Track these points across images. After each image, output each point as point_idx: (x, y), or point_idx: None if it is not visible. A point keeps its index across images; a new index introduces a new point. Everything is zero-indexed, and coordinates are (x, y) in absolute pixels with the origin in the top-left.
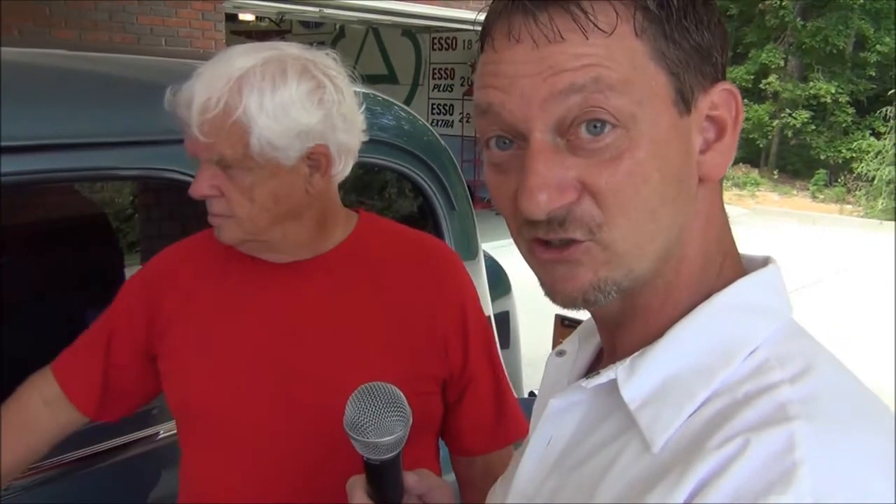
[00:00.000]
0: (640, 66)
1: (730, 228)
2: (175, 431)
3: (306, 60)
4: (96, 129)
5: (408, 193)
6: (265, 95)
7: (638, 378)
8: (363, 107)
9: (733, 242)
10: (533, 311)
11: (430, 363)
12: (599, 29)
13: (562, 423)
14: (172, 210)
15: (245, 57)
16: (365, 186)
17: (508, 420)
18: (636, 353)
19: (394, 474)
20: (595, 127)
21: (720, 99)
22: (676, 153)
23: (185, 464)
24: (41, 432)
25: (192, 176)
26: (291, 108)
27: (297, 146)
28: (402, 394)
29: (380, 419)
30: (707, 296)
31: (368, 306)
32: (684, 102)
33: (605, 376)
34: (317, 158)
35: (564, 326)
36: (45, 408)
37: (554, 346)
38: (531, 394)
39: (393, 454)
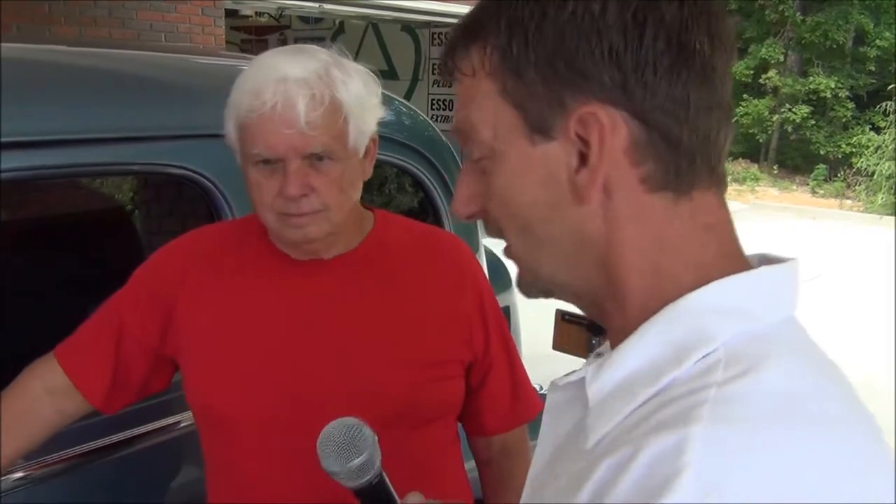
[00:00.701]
0: (491, 103)
1: (719, 232)
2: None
3: (340, 58)
4: (101, 125)
5: (408, 189)
6: (349, 88)
7: (601, 377)
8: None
9: (723, 246)
10: (534, 306)
11: (456, 349)
12: (464, 74)
13: (558, 419)
14: (173, 206)
15: (306, 55)
16: (365, 182)
17: (524, 399)
18: (607, 354)
19: (386, 486)
20: (476, 161)
21: (583, 122)
22: (535, 178)
23: (212, 464)
24: (42, 421)
25: (197, 172)
26: (365, 98)
27: (369, 134)
28: (358, 421)
29: (354, 439)
30: (675, 299)
31: (394, 299)
32: (540, 131)
33: (576, 375)
34: (370, 147)
35: (565, 322)
36: (47, 396)
37: (554, 341)
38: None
39: (369, 476)
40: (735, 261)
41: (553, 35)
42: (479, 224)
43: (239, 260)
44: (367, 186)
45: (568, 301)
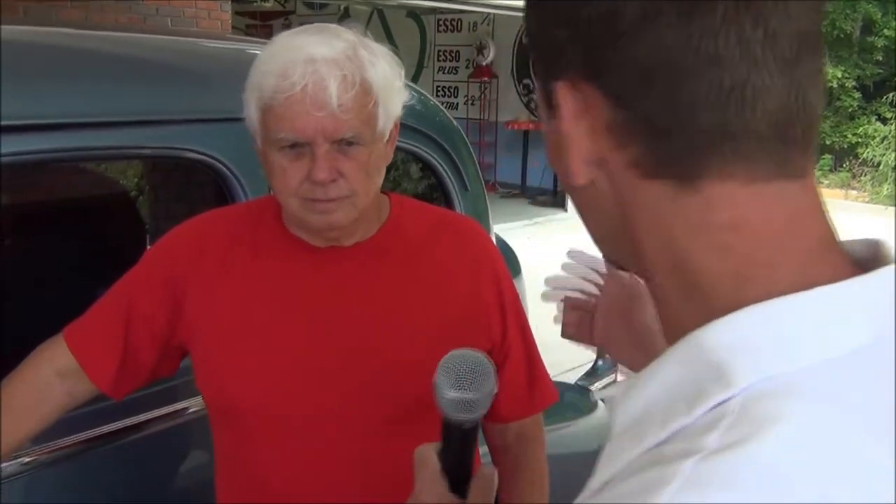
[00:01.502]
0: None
1: (751, 236)
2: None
3: (363, 38)
4: (114, 108)
5: (412, 175)
6: (377, 69)
7: (626, 403)
8: None
9: (759, 252)
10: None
11: (475, 336)
12: None
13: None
14: (182, 191)
15: (331, 34)
16: None
17: (540, 386)
18: (639, 374)
19: (474, 441)
20: None
21: (557, 99)
22: (555, 156)
23: (223, 453)
24: (53, 403)
25: (211, 156)
26: (391, 80)
27: (394, 118)
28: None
29: (475, 376)
30: (710, 316)
31: (413, 286)
32: (552, 106)
33: (611, 391)
34: (392, 131)
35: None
36: (58, 379)
37: (563, 329)
38: None
39: (481, 413)
40: (784, 271)
41: (534, 9)
42: (490, 209)
43: (254, 245)
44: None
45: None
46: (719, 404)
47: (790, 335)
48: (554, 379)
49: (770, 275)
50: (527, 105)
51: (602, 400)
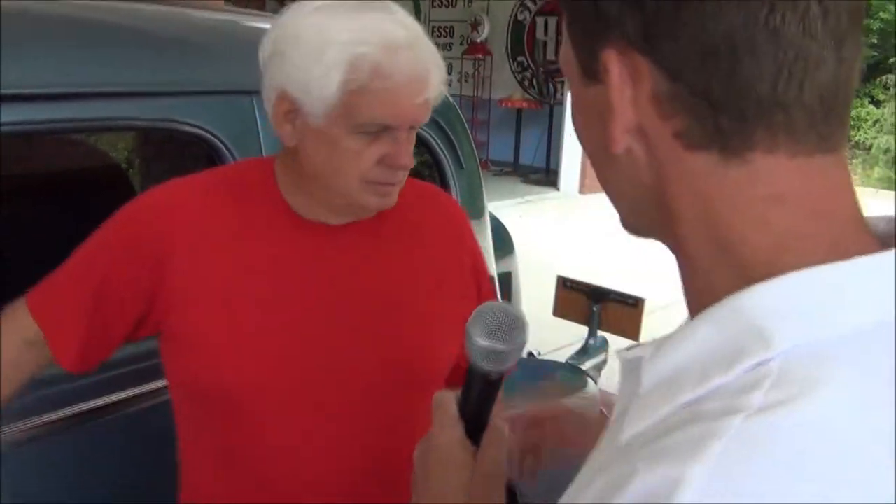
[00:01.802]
0: (565, 41)
1: (796, 207)
2: None
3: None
4: (107, 79)
5: None
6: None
7: (657, 362)
8: None
9: (802, 224)
10: (535, 272)
11: (465, 301)
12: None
13: (619, 394)
14: (174, 164)
15: (401, 12)
16: None
17: None
18: (669, 334)
19: (495, 394)
20: None
21: (605, 68)
22: (590, 121)
23: (225, 448)
24: (25, 370)
25: (205, 129)
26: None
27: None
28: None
29: (509, 328)
30: (746, 284)
31: (405, 261)
32: (590, 72)
33: (634, 353)
34: None
35: (566, 288)
36: (27, 347)
37: (555, 307)
38: (529, 354)
39: (508, 367)
40: (819, 243)
41: None
42: (484, 187)
43: (247, 218)
44: None
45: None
46: (759, 365)
47: (827, 303)
48: (545, 357)
49: (807, 246)
50: (521, 83)
51: (588, 375)
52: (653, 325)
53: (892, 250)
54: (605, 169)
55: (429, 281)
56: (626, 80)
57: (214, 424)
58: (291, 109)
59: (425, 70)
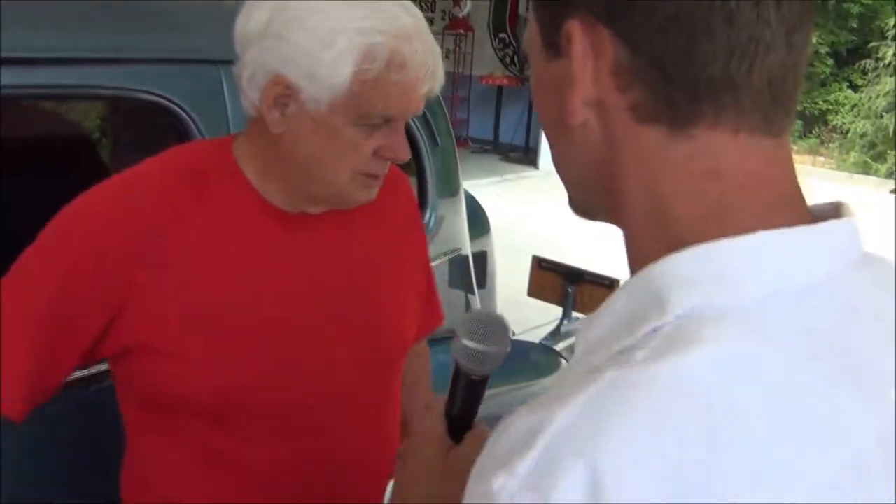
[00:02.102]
0: (530, 18)
1: (728, 182)
2: None
3: None
4: (64, 45)
5: None
6: None
7: (586, 334)
8: None
9: (728, 198)
10: (510, 253)
11: (421, 277)
12: None
13: None
14: (147, 134)
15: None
16: None
17: (437, 308)
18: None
19: (480, 395)
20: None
21: (567, 40)
22: (549, 95)
23: (212, 460)
24: None
25: (162, 96)
26: None
27: None
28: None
29: (491, 332)
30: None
31: (378, 247)
32: (553, 47)
33: (576, 325)
34: None
35: (541, 269)
36: None
37: (529, 287)
38: None
39: (489, 369)
40: (745, 216)
41: None
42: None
43: (211, 214)
44: None
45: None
46: (657, 329)
47: (730, 271)
48: (519, 337)
49: (732, 219)
50: (502, 59)
51: (562, 357)
52: None
53: (816, 223)
54: (560, 144)
55: (394, 266)
56: (588, 52)
57: (194, 432)
58: (285, 95)
59: (434, 61)
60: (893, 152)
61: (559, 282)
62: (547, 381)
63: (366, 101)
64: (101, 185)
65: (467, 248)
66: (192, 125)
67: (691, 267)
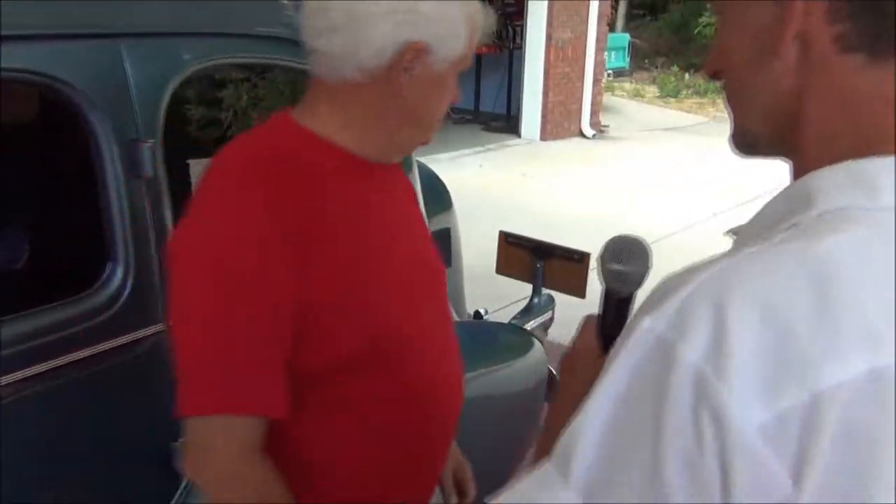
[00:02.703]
0: None
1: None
2: None
3: None
4: None
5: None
6: None
7: (744, 229)
8: None
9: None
10: (477, 229)
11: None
12: None
13: None
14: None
15: None
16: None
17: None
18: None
19: (627, 311)
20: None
21: None
22: (749, 32)
23: (381, 409)
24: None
25: (52, 77)
26: None
27: None
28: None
29: (631, 253)
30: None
31: (403, 190)
32: None
33: (736, 228)
34: None
35: (509, 244)
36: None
37: (498, 264)
38: (476, 314)
39: (634, 288)
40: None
41: None
42: (433, 137)
43: (335, 183)
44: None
45: (764, 155)
46: (797, 224)
47: (875, 181)
48: (491, 317)
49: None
50: None
51: (533, 336)
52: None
53: None
54: (751, 78)
55: (417, 211)
56: None
57: (349, 386)
58: (416, 59)
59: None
60: None
61: (527, 257)
62: (522, 362)
63: (466, 56)
64: (208, 216)
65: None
66: (91, 109)
67: (841, 175)
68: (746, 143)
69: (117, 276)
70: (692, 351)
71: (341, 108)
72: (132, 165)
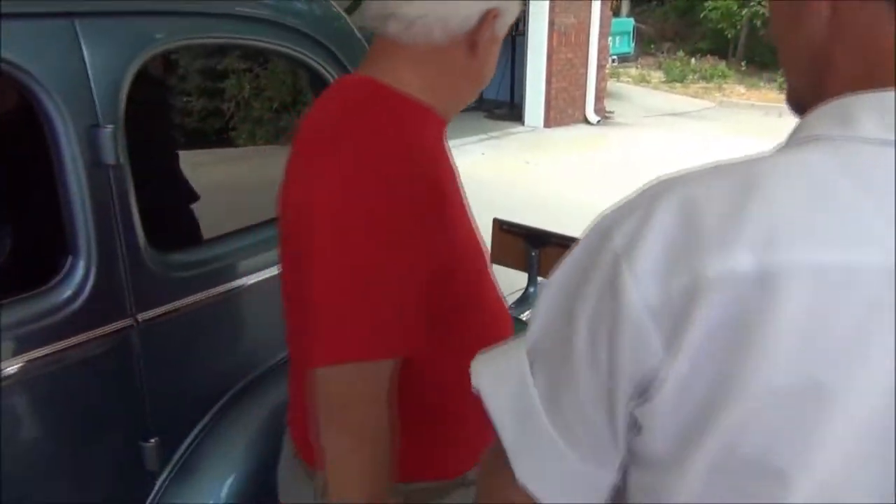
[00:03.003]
0: None
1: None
2: None
3: None
4: None
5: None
6: None
7: (793, 134)
8: None
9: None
10: (479, 216)
11: None
12: None
13: None
14: None
15: None
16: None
17: None
18: None
19: None
20: None
21: None
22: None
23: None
24: None
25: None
26: None
27: None
28: None
29: None
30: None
31: None
32: None
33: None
34: None
35: (503, 232)
36: None
37: (492, 252)
38: None
39: None
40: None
41: None
42: None
43: (442, 153)
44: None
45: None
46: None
47: (855, 113)
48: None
49: None
50: None
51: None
52: None
53: None
54: (791, 35)
55: None
56: None
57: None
58: (492, 24)
59: None
60: None
61: (521, 244)
62: None
63: (507, 17)
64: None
65: None
66: (43, 92)
67: (828, 108)
68: (794, 100)
69: (79, 270)
70: (620, 236)
71: (426, 71)
72: (93, 153)
